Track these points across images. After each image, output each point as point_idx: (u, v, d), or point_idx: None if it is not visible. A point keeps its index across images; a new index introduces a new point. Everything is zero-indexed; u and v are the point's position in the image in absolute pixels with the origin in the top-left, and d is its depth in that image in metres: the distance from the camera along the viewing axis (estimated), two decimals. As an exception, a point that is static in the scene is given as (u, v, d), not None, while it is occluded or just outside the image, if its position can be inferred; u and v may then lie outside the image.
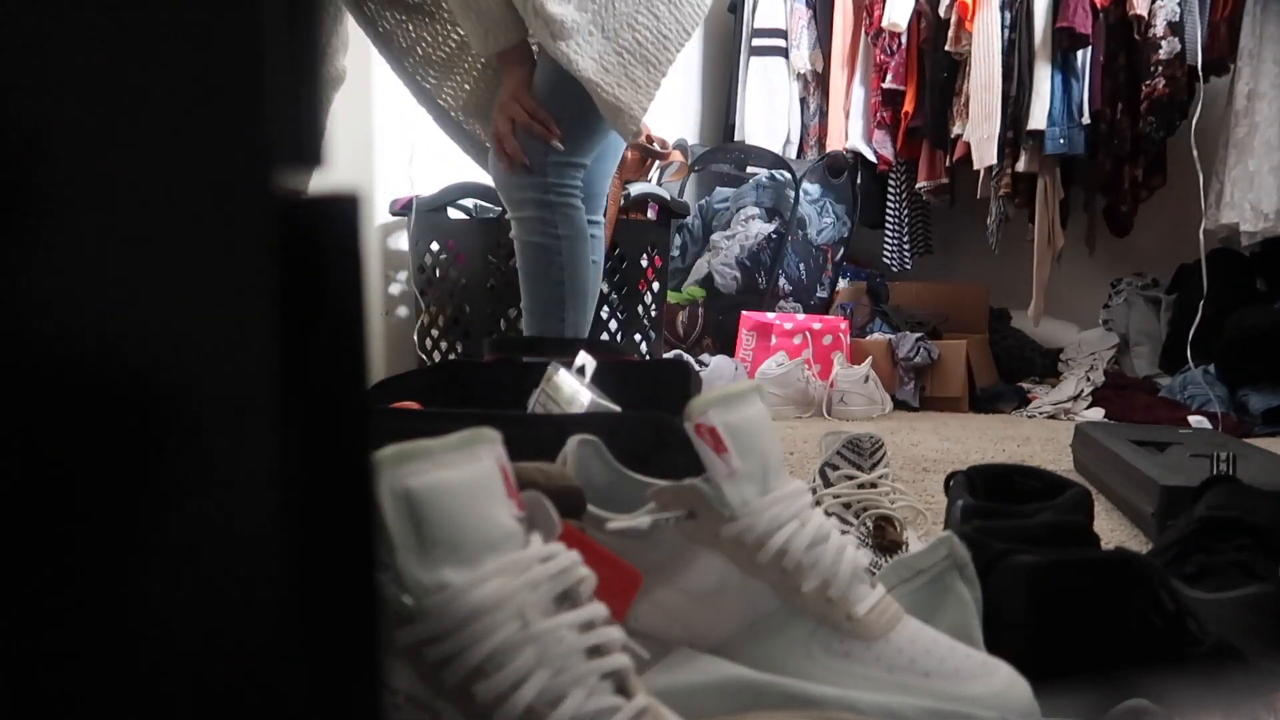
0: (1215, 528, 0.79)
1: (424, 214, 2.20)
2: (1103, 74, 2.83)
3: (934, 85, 3.11)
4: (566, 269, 1.52)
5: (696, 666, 0.54)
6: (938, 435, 2.21)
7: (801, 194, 3.07)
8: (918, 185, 3.29)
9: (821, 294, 3.18)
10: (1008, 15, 2.88)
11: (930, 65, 3.11)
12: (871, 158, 3.32)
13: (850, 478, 0.96)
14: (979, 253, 3.31)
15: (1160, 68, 2.75)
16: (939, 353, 2.72)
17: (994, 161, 2.91)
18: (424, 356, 2.26)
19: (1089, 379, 2.77)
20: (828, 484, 0.98)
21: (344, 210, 0.24)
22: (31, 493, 0.21)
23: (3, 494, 0.21)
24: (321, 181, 0.24)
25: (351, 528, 0.25)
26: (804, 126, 3.50)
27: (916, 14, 3.09)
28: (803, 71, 3.44)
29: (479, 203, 2.19)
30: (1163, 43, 2.74)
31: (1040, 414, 2.61)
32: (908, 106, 3.19)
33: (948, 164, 3.16)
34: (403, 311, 2.45)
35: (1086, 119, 2.83)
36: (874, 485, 0.96)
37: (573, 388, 0.96)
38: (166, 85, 0.21)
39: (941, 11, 3.01)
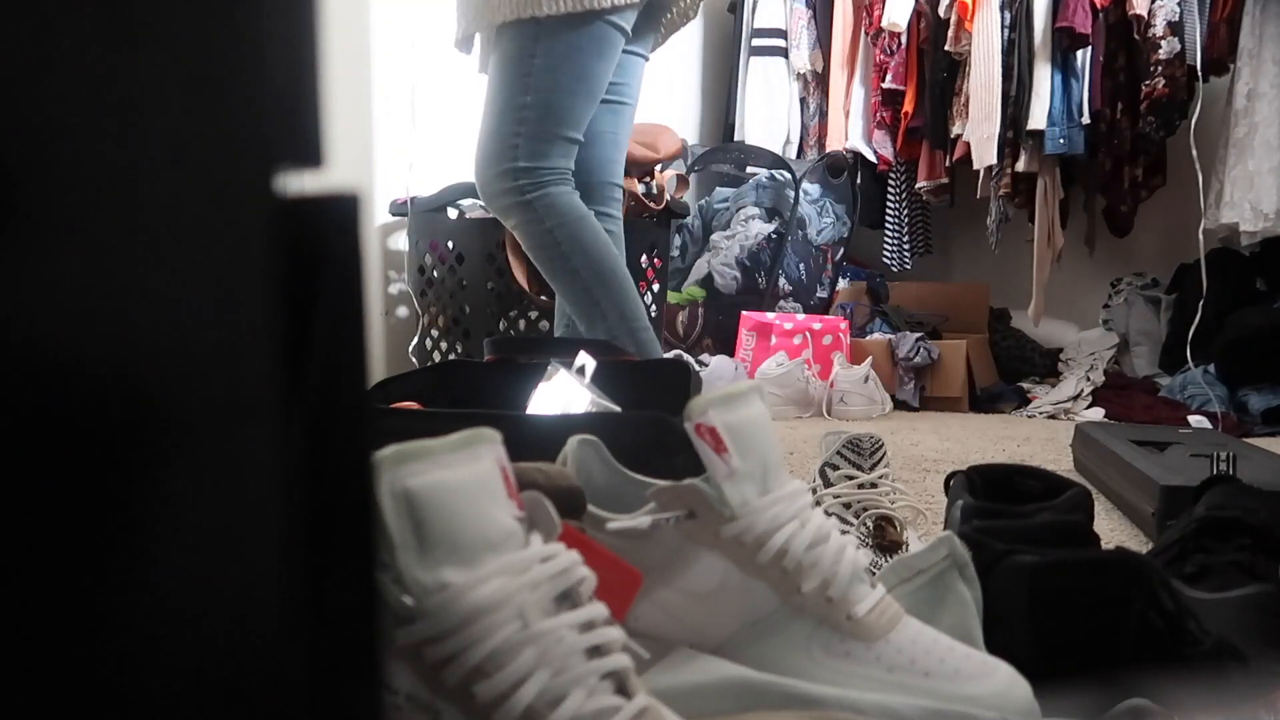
0: (1215, 528, 0.79)
1: (423, 214, 2.20)
2: (1103, 74, 2.83)
3: (934, 85, 3.11)
4: (574, 256, 1.41)
5: (696, 666, 0.54)
6: (938, 435, 2.21)
7: (801, 194, 3.07)
8: (918, 185, 3.29)
9: (821, 294, 3.18)
10: (1008, 15, 2.88)
11: (930, 65, 3.11)
12: (871, 158, 3.31)
13: (850, 478, 0.96)
14: (979, 253, 3.32)
15: (1160, 68, 2.75)
16: (939, 353, 2.72)
17: (994, 161, 2.90)
18: (413, 360, 2.25)
19: (1089, 379, 2.77)
20: (828, 484, 0.98)
21: (344, 210, 0.24)
22: (29, 493, 0.21)
23: (4, 495, 0.21)
24: (321, 181, 0.24)
25: (351, 528, 0.25)
26: (804, 126, 3.50)
27: (916, 14, 3.09)
28: (802, 71, 3.44)
29: (478, 203, 2.18)
30: (1163, 43, 2.74)
31: (1040, 414, 2.61)
32: (908, 106, 3.19)
33: (948, 164, 3.16)
34: (403, 312, 2.45)
35: (1086, 119, 2.83)
36: (874, 485, 0.96)
37: (572, 388, 0.96)
38: (167, 85, 0.21)
39: (941, 11, 3.01)
